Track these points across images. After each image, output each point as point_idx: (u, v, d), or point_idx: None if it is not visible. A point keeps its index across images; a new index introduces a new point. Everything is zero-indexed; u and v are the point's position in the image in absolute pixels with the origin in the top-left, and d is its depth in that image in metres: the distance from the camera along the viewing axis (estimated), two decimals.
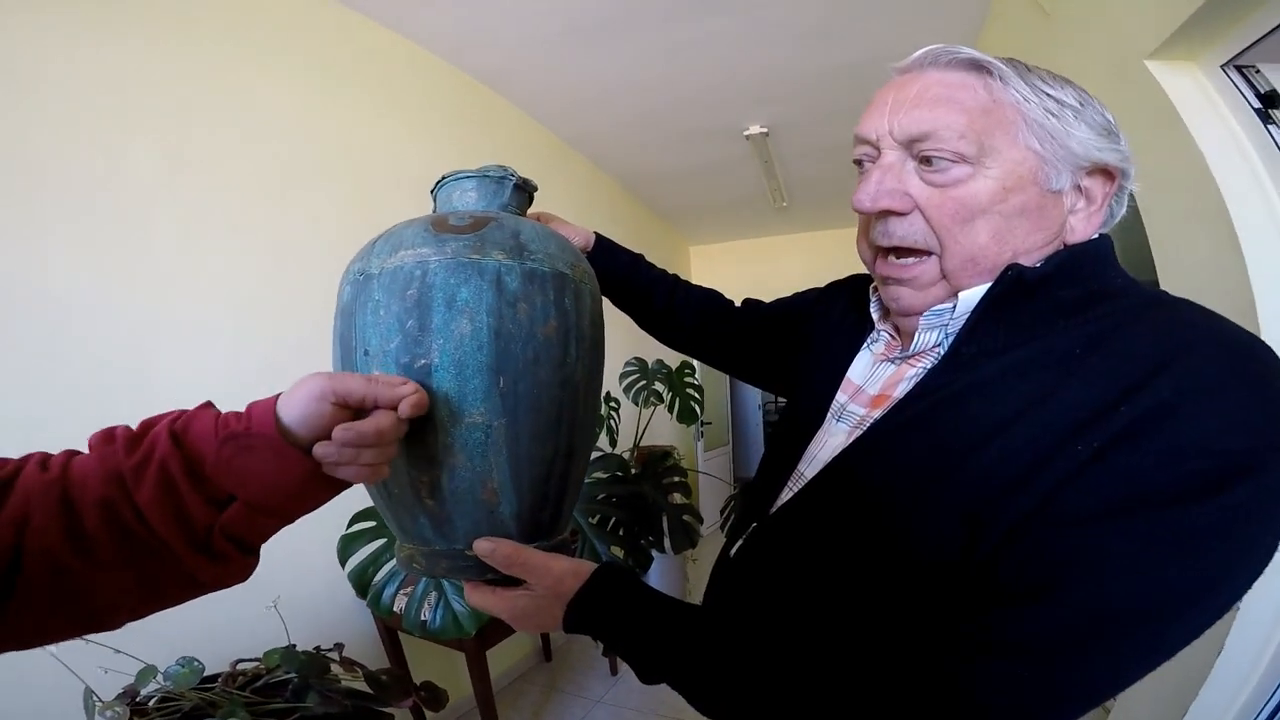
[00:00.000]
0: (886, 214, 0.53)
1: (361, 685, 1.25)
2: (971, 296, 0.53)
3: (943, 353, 0.54)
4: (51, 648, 1.10)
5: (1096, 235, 0.54)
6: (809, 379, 0.69)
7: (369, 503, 1.44)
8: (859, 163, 0.57)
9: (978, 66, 0.52)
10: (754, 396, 6.86)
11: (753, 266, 5.64)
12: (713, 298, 0.99)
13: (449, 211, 0.63)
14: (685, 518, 2.21)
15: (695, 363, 3.29)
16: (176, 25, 1.58)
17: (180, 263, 1.55)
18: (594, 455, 1.88)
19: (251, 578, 1.70)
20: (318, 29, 1.98)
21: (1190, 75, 1.48)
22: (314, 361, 1.78)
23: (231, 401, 1.57)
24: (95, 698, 1.05)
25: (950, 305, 0.54)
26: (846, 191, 0.59)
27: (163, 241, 1.52)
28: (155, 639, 1.20)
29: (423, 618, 1.37)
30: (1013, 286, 0.50)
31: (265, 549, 1.83)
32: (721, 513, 3.28)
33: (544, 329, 0.55)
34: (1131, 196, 0.55)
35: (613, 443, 2.42)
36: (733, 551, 0.64)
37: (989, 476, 0.44)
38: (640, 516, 2.04)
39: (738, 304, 0.99)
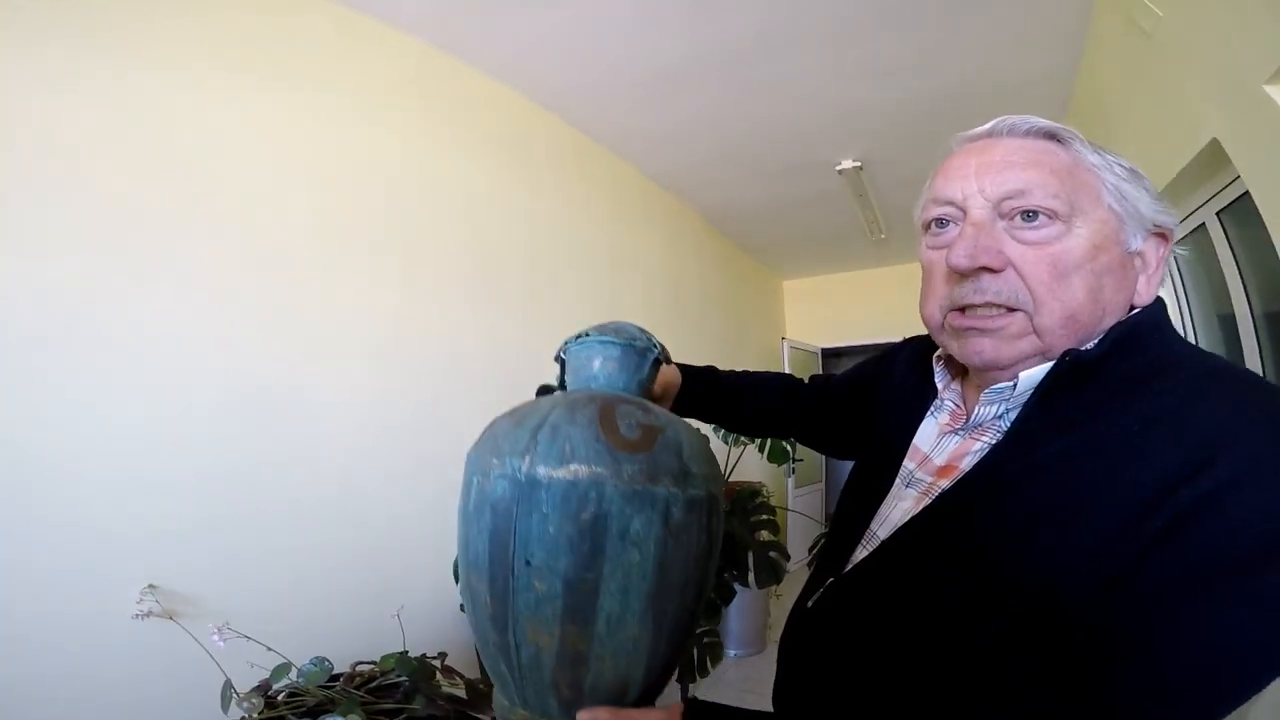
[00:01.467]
0: (980, 271, 0.54)
1: (460, 692, 1.35)
2: (1031, 377, 0.55)
3: (1005, 426, 0.57)
4: (200, 641, 1.29)
5: (1152, 301, 0.56)
6: (877, 443, 0.72)
7: None
8: (940, 223, 0.59)
9: (1054, 135, 0.56)
10: None
11: (849, 300, 5.53)
12: (783, 384, 1.00)
13: (613, 405, 0.60)
14: (771, 554, 2.19)
15: None
16: (321, 98, 1.86)
17: (329, 313, 1.81)
18: None
19: (379, 587, 1.89)
20: (431, 81, 2.24)
21: None
22: (435, 390, 1.96)
23: (368, 427, 1.74)
24: (233, 690, 1.19)
25: (1011, 384, 0.56)
26: None
27: (316, 277, 1.78)
28: (291, 639, 1.37)
29: None
30: (1069, 370, 0.52)
31: (391, 563, 2.04)
32: (809, 550, 3.21)
33: (694, 553, 0.59)
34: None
35: None
36: (810, 603, 0.66)
37: (1059, 557, 0.47)
38: (726, 552, 2.06)
39: (806, 381, 1.01)
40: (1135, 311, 0.56)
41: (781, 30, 2.20)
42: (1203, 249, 2.18)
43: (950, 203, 0.57)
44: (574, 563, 0.54)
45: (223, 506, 1.53)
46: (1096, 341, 0.54)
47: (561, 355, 0.73)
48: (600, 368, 0.68)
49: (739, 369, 1.04)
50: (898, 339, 0.86)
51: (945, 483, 0.58)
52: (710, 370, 0.97)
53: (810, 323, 5.68)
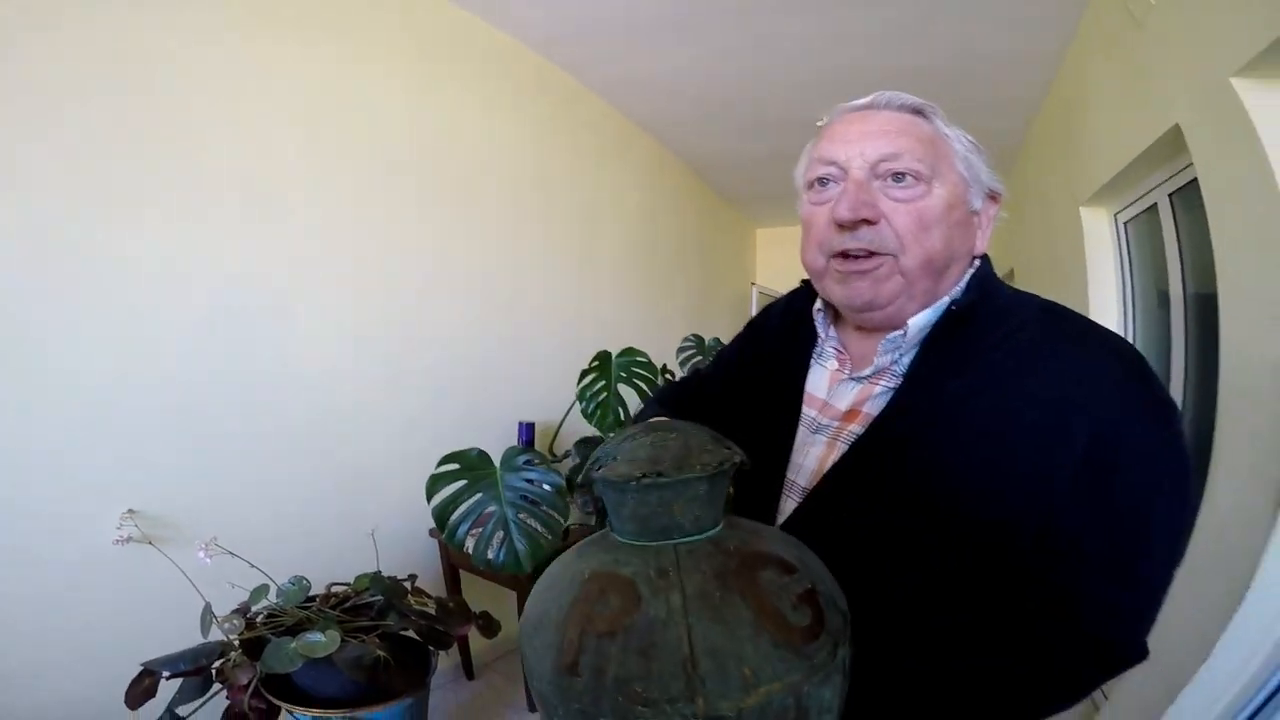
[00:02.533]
0: (860, 223, 0.63)
1: (430, 610, 1.46)
2: (918, 324, 0.64)
3: (900, 372, 0.65)
4: (179, 565, 1.36)
5: (979, 260, 0.68)
6: (766, 395, 0.76)
7: (456, 446, 1.65)
8: (821, 182, 0.67)
9: (919, 110, 0.66)
10: None
11: None
12: (682, 400, 0.94)
13: (751, 580, 0.48)
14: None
15: None
16: (311, 36, 1.82)
17: (313, 242, 1.83)
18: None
19: (352, 510, 1.98)
20: (425, 24, 2.18)
21: (1275, 94, 1.43)
22: (411, 310, 2.03)
23: (344, 355, 1.79)
24: (213, 615, 1.27)
25: (902, 333, 0.65)
26: None
27: (300, 213, 1.79)
28: (268, 563, 1.45)
29: (489, 555, 1.56)
30: (952, 318, 0.64)
31: (363, 485, 2.13)
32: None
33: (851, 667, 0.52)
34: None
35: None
36: None
37: (985, 483, 0.58)
38: None
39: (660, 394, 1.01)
40: (979, 262, 0.68)
41: None
42: (1151, 227, 2.29)
43: (834, 163, 0.65)
44: None
45: (199, 432, 1.58)
46: (963, 289, 0.65)
47: (595, 482, 0.53)
48: (684, 514, 0.51)
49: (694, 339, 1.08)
50: None
51: (855, 427, 0.66)
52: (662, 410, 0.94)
53: (779, 269, 5.80)
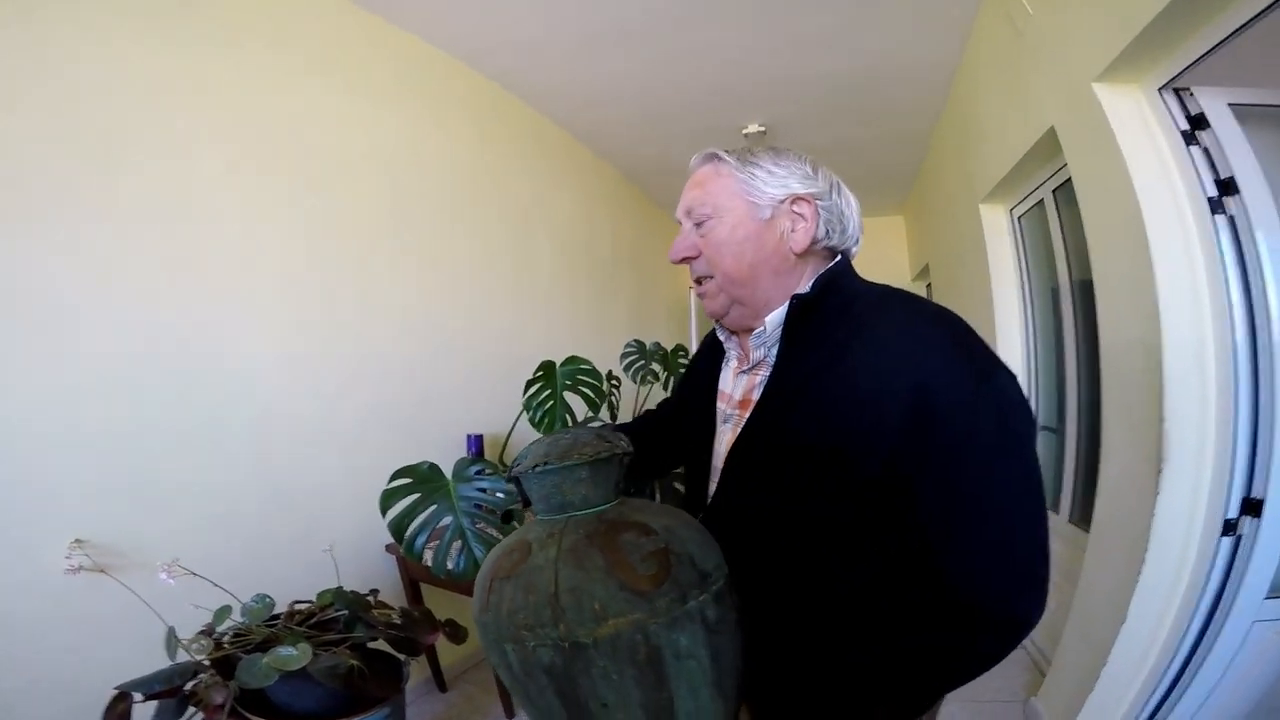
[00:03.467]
0: (685, 260, 0.83)
1: (396, 620, 1.50)
2: (773, 320, 0.79)
3: (772, 361, 0.80)
4: (136, 592, 1.35)
5: (822, 245, 0.80)
6: (697, 397, 0.95)
7: (404, 462, 1.69)
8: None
9: (712, 157, 0.82)
10: None
11: None
12: (654, 422, 1.14)
13: (612, 538, 0.64)
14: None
15: (687, 346, 3.53)
16: (227, 36, 1.81)
17: (239, 248, 1.81)
18: (595, 425, 2.12)
19: (304, 528, 1.98)
20: (346, 35, 2.19)
21: (1131, 98, 1.60)
22: (350, 322, 2.07)
23: (284, 374, 1.80)
24: (177, 639, 1.27)
25: (763, 328, 0.79)
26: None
27: (229, 230, 1.77)
28: (225, 586, 1.45)
29: (449, 565, 1.61)
30: (796, 309, 0.77)
31: (315, 504, 2.13)
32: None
33: (731, 626, 0.66)
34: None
35: (613, 418, 2.66)
36: None
37: (845, 450, 0.68)
38: (635, 481, 2.27)
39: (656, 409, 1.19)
40: (832, 264, 0.80)
41: (707, 1, 2.30)
42: (1041, 222, 2.53)
43: (678, 220, 0.85)
44: (644, 692, 0.59)
45: (141, 457, 1.55)
46: (809, 285, 0.79)
47: (515, 477, 0.72)
48: (574, 493, 0.68)
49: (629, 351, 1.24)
50: None
51: (747, 413, 0.80)
52: (629, 428, 1.10)
53: None
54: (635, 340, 3.04)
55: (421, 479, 1.70)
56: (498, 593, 0.64)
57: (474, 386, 2.70)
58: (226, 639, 1.32)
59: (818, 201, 0.78)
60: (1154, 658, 1.58)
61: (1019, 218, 2.71)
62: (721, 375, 0.91)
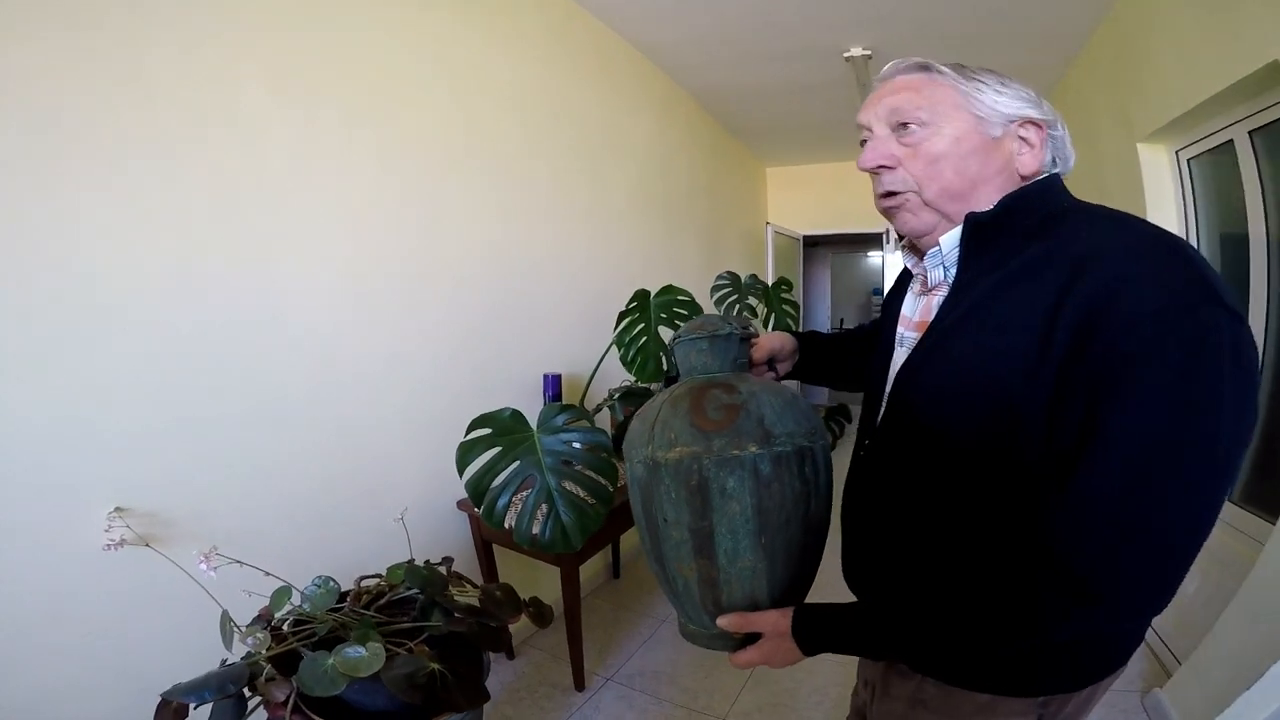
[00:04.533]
0: (880, 169, 0.74)
1: (473, 600, 1.31)
2: (949, 239, 0.74)
3: (950, 282, 0.75)
4: (188, 570, 1.19)
5: (1047, 173, 0.73)
6: (885, 326, 0.91)
7: (471, 410, 1.49)
8: (863, 143, 0.77)
9: (924, 67, 0.74)
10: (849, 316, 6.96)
11: (830, 189, 5.42)
12: (865, 338, 1.09)
13: (702, 392, 0.76)
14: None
15: (791, 279, 3.22)
16: None
17: (293, 182, 1.54)
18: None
19: (366, 488, 1.73)
20: None
21: None
22: (415, 259, 1.81)
23: (345, 306, 1.50)
24: (233, 623, 1.09)
25: (938, 248, 0.75)
26: None
27: (276, 163, 1.51)
28: (281, 558, 1.28)
29: (534, 531, 1.42)
30: (971, 230, 0.71)
31: (377, 461, 1.87)
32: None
33: (791, 496, 0.72)
34: None
35: None
36: (862, 453, 0.85)
37: (1005, 370, 0.62)
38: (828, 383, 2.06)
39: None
40: (1027, 183, 0.72)
41: None
42: (1222, 166, 2.12)
43: (864, 125, 0.77)
44: (691, 517, 0.71)
45: (187, 412, 1.35)
46: (993, 206, 0.71)
47: (671, 350, 0.89)
48: (697, 360, 0.83)
49: (831, 328, 1.15)
50: (876, 230, 1.11)
51: (921, 334, 0.76)
52: (813, 336, 1.09)
53: (792, 210, 5.56)
54: (728, 272, 2.74)
55: (503, 429, 1.48)
56: (633, 421, 0.82)
57: (549, 322, 2.45)
58: (287, 626, 1.15)
59: (1049, 129, 0.73)
60: None
61: (1188, 160, 2.30)
62: (906, 299, 0.87)
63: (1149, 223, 0.63)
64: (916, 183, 0.73)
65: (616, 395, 2.10)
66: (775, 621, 0.72)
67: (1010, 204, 0.71)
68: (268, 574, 1.13)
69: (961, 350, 0.67)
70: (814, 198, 5.46)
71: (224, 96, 1.40)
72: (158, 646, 1.28)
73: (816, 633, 0.71)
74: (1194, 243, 2.32)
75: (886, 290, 1.04)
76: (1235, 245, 2.09)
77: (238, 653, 1.05)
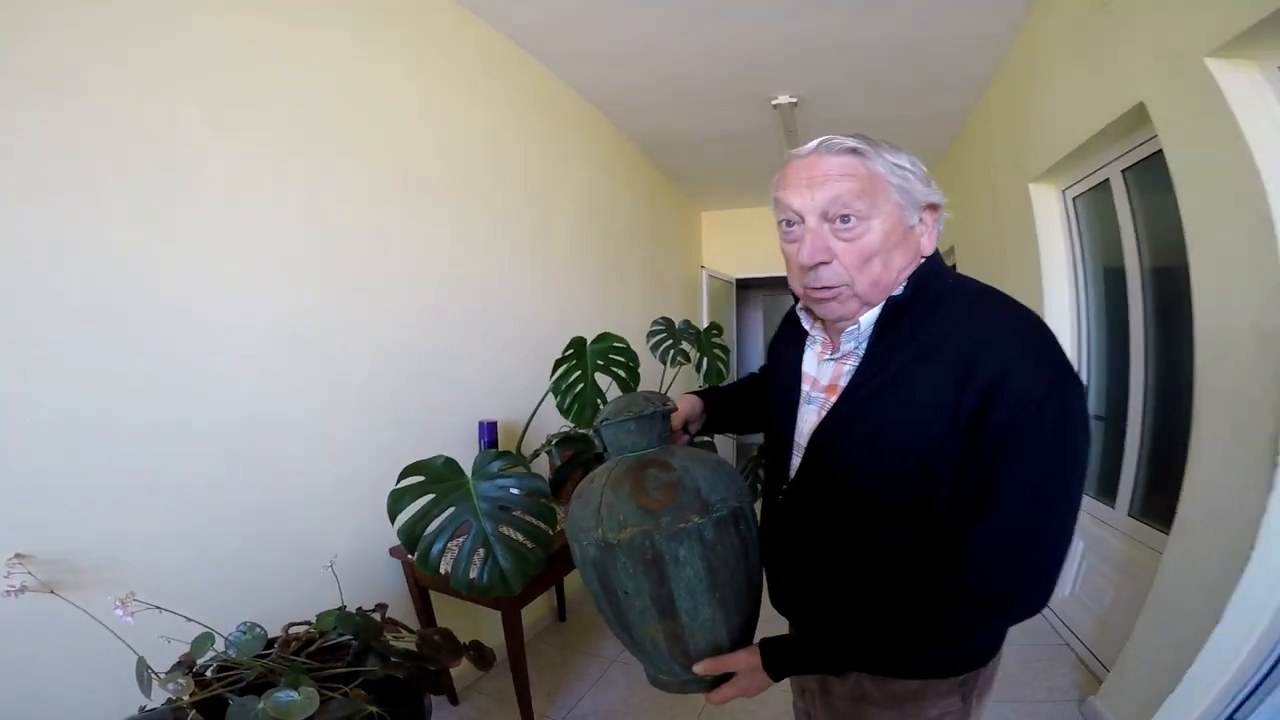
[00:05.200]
0: (818, 264, 0.77)
1: (410, 645, 1.28)
2: (868, 318, 0.80)
3: (860, 353, 0.82)
4: (98, 618, 1.13)
5: (932, 252, 0.82)
6: (780, 375, 0.97)
7: (406, 456, 1.47)
8: (788, 224, 0.81)
9: (855, 150, 0.76)
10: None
11: (762, 234, 5.64)
12: (755, 385, 1.17)
13: (640, 473, 0.82)
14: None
15: (722, 323, 3.32)
16: None
17: (227, 221, 1.54)
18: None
19: (295, 533, 1.68)
20: None
21: (1247, 75, 1.50)
22: (350, 302, 1.80)
23: (278, 350, 1.51)
24: (150, 670, 1.04)
25: (856, 325, 0.81)
26: None
27: (210, 200, 1.50)
28: (202, 605, 1.23)
29: (470, 575, 1.40)
30: (891, 310, 0.79)
31: (307, 506, 1.82)
32: (743, 472, 3.34)
33: (733, 552, 0.81)
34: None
35: None
36: (780, 497, 0.93)
37: (920, 439, 0.72)
38: (726, 431, 2.08)
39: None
40: (922, 261, 0.81)
41: None
42: (1101, 203, 2.35)
43: (793, 210, 0.78)
44: (651, 586, 0.78)
45: (102, 459, 1.30)
46: (903, 287, 0.79)
47: (596, 430, 0.93)
48: (626, 439, 0.89)
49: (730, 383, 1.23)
50: None
51: (833, 398, 0.84)
52: (714, 391, 1.15)
53: (725, 253, 5.75)
54: (662, 318, 2.81)
55: (436, 476, 1.47)
56: (572, 505, 0.87)
57: (488, 370, 2.46)
58: (210, 672, 1.09)
59: (941, 209, 0.81)
60: (1241, 660, 1.50)
61: (1074, 199, 2.54)
62: (805, 358, 0.93)
63: (1015, 303, 0.76)
64: (850, 277, 0.77)
65: (554, 440, 2.12)
66: (746, 659, 0.81)
67: (917, 284, 0.79)
68: (189, 619, 1.09)
69: (879, 421, 0.76)
70: (746, 241, 5.66)
71: (157, 130, 1.40)
72: (69, 695, 1.21)
73: (784, 662, 0.80)
74: (1080, 276, 2.54)
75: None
76: (1115, 278, 2.29)
77: (158, 700, 1.00)
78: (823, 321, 0.90)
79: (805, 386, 0.92)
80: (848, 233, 0.76)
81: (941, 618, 0.74)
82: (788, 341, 0.98)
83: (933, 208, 0.80)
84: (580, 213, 3.26)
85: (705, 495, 0.80)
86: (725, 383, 1.36)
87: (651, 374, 2.91)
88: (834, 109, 3.31)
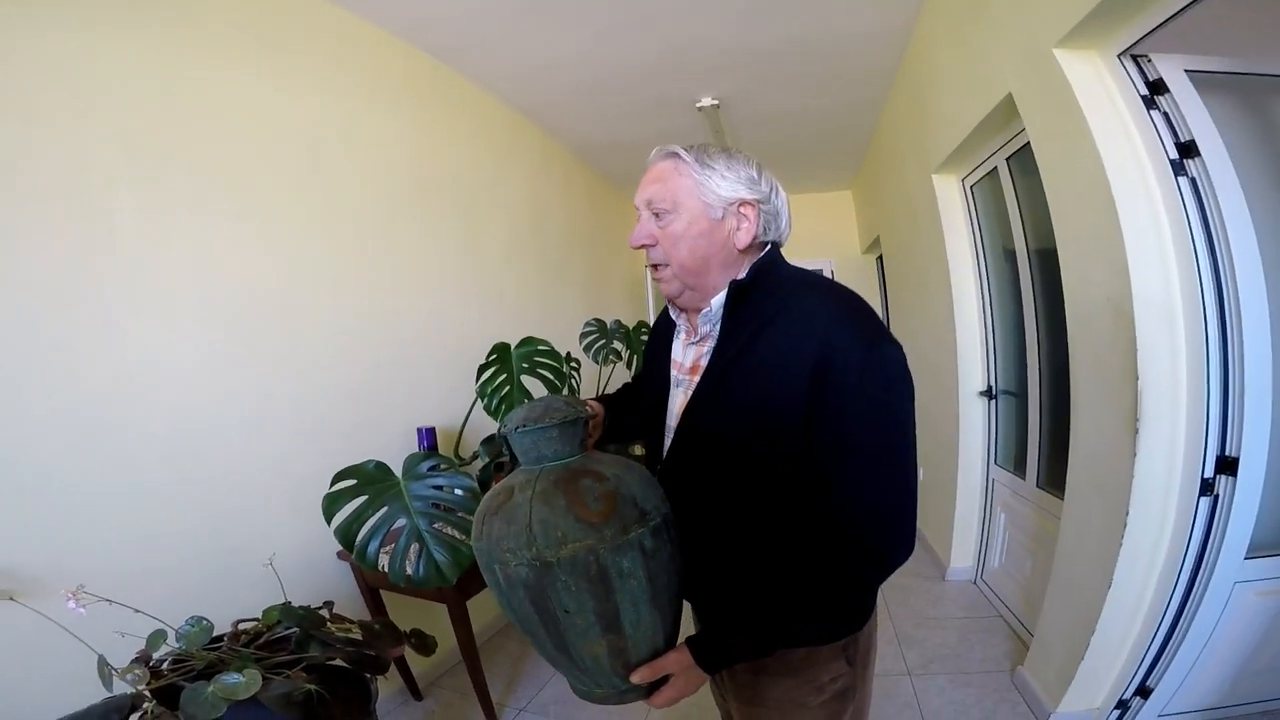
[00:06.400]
0: (645, 247, 0.93)
1: (356, 635, 1.36)
2: (717, 301, 0.92)
3: (717, 334, 0.93)
4: (53, 619, 1.19)
5: (765, 241, 0.94)
6: (656, 364, 1.08)
7: (351, 462, 1.55)
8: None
9: (673, 155, 0.91)
10: None
11: None
12: (631, 389, 1.26)
13: (573, 484, 0.80)
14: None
15: (647, 322, 3.46)
16: (129, 12, 1.58)
17: (146, 251, 1.60)
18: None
19: (239, 540, 1.78)
20: (269, 8, 1.97)
21: (1091, 64, 1.61)
22: (274, 324, 1.88)
23: (200, 374, 1.60)
24: (109, 666, 1.12)
25: (709, 308, 0.93)
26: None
27: (125, 226, 1.56)
28: (154, 607, 1.30)
29: (407, 571, 1.49)
30: (735, 292, 0.90)
31: (249, 513, 1.91)
32: None
33: (667, 556, 0.82)
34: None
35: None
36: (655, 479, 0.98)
37: (771, 401, 0.82)
38: (617, 442, 2.18)
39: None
40: (763, 254, 0.93)
41: None
42: (994, 190, 2.55)
43: (637, 207, 0.94)
44: (596, 602, 0.76)
45: (43, 462, 1.36)
46: (744, 274, 0.92)
47: (504, 436, 0.88)
48: (546, 447, 0.84)
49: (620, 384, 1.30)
50: None
51: (696, 377, 0.94)
52: (609, 400, 1.20)
53: None
54: (595, 319, 2.93)
55: (368, 479, 1.57)
56: (488, 525, 0.80)
57: (424, 377, 2.54)
58: (166, 665, 1.17)
59: (760, 205, 0.91)
60: (1141, 623, 1.61)
61: (971, 187, 2.73)
62: (674, 346, 1.04)
63: (836, 284, 0.91)
64: (666, 257, 0.92)
65: (483, 441, 2.24)
66: (678, 660, 0.85)
67: (757, 270, 0.92)
68: (137, 610, 1.16)
69: (737, 390, 0.86)
70: None
71: (77, 149, 1.47)
72: (33, 696, 1.28)
73: (715, 655, 0.86)
74: (981, 259, 2.74)
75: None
76: (1010, 259, 2.49)
77: (119, 692, 1.08)
78: (687, 313, 1.01)
79: (674, 372, 1.02)
80: (661, 221, 0.91)
81: (837, 577, 0.81)
82: (662, 334, 1.10)
83: (746, 204, 0.90)
84: (514, 220, 3.34)
85: (641, 503, 0.80)
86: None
87: (591, 375, 3.03)
88: (754, 107, 3.46)
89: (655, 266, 0.94)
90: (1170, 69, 1.54)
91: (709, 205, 0.89)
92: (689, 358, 0.99)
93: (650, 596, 0.79)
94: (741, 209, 0.91)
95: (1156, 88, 1.54)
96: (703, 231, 0.90)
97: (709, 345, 0.94)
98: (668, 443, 0.98)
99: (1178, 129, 1.51)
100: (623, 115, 3.50)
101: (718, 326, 0.93)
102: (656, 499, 0.84)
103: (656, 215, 0.91)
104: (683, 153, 0.90)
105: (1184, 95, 1.52)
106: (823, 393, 0.78)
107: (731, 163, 0.91)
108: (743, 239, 0.91)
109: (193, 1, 1.74)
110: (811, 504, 0.81)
